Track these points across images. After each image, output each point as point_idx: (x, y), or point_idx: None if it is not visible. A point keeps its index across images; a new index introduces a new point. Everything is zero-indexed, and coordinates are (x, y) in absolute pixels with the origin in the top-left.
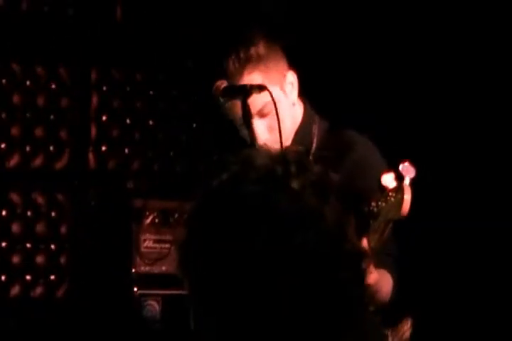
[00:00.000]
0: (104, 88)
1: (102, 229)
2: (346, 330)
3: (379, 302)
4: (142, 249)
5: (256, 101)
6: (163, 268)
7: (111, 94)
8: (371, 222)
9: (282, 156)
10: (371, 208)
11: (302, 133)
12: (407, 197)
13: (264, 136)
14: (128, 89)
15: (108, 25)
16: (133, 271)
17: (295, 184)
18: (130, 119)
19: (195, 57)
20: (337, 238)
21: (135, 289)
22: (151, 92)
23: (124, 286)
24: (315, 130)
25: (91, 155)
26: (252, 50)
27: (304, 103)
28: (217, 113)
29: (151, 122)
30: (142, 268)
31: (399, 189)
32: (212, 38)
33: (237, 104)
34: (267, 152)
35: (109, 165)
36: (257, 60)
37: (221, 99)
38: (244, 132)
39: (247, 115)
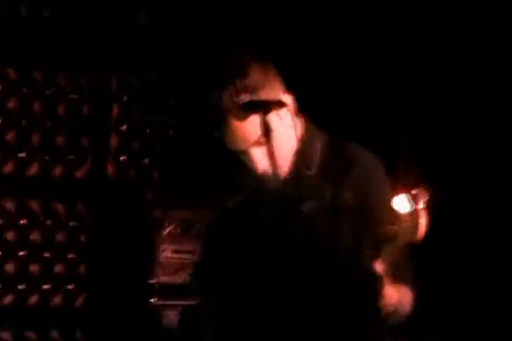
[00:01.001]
0: (125, 98)
1: (121, 238)
2: None
3: (399, 317)
4: (161, 259)
5: (254, 131)
6: (183, 278)
7: (131, 103)
8: (385, 245)
9: (294, 180)
10: (385, 231)
11: (303, 151)
12: (423, 221)
13: (263, 163)
14: (148, 99)
15: (130, 33)
16: (153, 281)
17: (306, 207)
18: (150, 129)
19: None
20: (352, 258)
21: (154, 299)
22: (171, 102)
23: (143, 296)
24: (318, 146)
25: (110, 165)
26: (248, 81)
27: (304, 120)
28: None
29: (170, 132)
30: (162, 278)
31: (413, 213)
32: (232, 42)
33: (237, 132)
34: (279, 176)
35: (129, 175)
36: (253, 90)
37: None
38: (244, 159)
39: (268, 130)
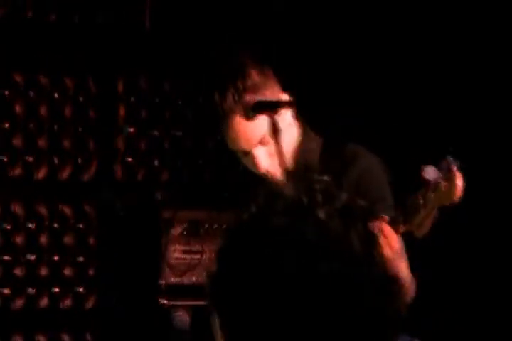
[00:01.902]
0: (132, 99)
1: (130, 240)
2: None
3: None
4: (171, 260)
5: (257, 130)
6: (193, 278)
7: (138, 104)
8: (418, 212)
9: (308, 186)
10: (418, 201)
11: (303, 151)
12: (460, 182)
13: (265, 162)
14: (155, 99)
15: (135, 35)
16: (162, 282)
17: (321, 213)
18: (158, 130)
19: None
20: (365, 263)
21: (164, 301)
22: (178, 102)
23: (152, 298)
24: (314, 146)
25: (118, 167)
26: (249, 81)
27: (300, 121)
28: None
29: (178, 132)
30: (171, 279)
31: (449, 176)
32: (240, 46)
33: (240, 132)
34: (293, 183)
35: (137, 176)
36: (254, 90)
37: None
38: (245, 160)
39: (276, 130)
